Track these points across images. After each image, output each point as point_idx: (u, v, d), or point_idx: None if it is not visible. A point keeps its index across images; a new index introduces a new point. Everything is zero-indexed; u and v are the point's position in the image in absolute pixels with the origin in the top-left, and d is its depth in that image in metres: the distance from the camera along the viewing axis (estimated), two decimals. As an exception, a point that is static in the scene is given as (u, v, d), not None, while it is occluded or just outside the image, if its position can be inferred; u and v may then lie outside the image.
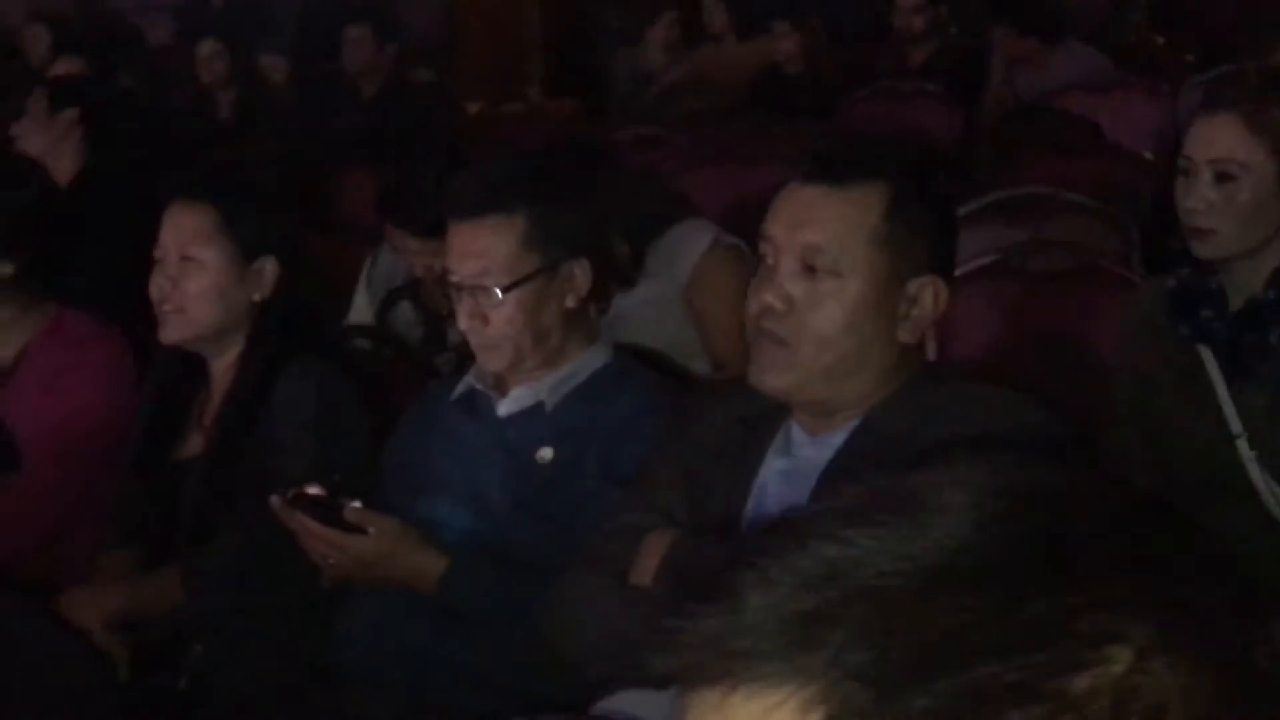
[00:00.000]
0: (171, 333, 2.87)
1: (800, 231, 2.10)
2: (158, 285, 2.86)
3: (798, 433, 2.19)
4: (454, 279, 2.58)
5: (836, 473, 2.10)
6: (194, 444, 2.93)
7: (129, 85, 6.71)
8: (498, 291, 2.53)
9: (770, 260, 2.12)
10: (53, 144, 4.58)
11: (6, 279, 3.09)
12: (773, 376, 2.12)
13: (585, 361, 2.63)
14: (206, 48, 7.32)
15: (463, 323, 2.57)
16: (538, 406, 2.60)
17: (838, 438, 2.15)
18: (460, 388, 2.68)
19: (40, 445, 3.05)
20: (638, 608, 2.06)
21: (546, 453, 2.57)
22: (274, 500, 2.46)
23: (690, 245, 3.51)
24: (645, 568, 2.11)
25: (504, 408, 2.63)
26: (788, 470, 2.16)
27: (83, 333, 3.15)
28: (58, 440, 3.05)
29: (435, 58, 8.68)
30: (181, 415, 2.96)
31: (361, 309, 3.90)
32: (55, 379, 3.09)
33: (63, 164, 4.59)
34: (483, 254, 2.54)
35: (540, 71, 9.97)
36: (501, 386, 2.64)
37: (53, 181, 3.33)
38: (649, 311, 3.46)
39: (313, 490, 2.45)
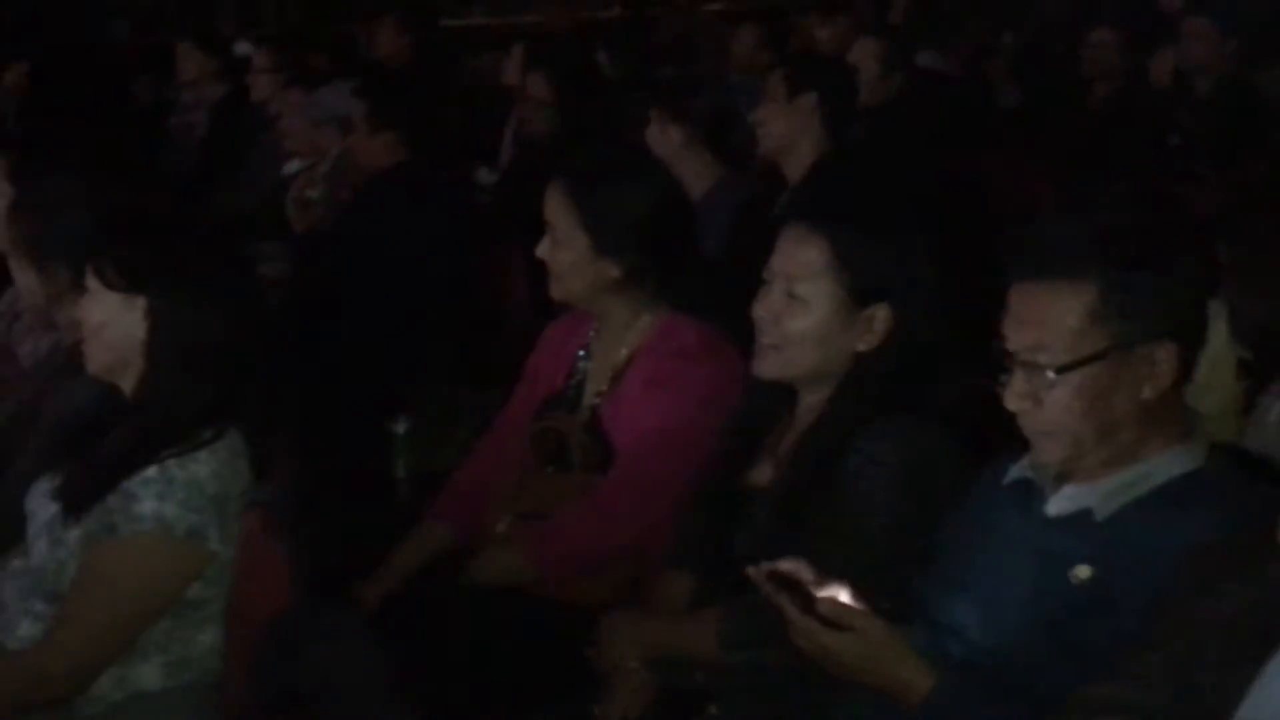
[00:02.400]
0: (766, 368, 2.66)
1: None
2: (760, 313, 2.65)
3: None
4: (1008, 347, 2.16)
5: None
6: (764, 472, 2.71)
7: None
8: (1051, 372, 2.09)
9: None
10: (791, 131, 4.48)
11: (615, 280, 3.00)
12: None
13: (1161, 465, 2.13)
14: (1099, 35, 6.96)
15: (1011, 401, 2.15)
16: (1087, 512, 2.14)
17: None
18: (1014, 472, 2.26)
19: (631, 451, 2.96)
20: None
21: (1083, 570, 2.10)
22: (751, 571, 2.18)
23: None
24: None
25: (1054, 506, 2.18)
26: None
27: (689, 342, 3.01)
28: (648, 449, 2.95)
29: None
30: (759, 439, 2.74)
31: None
32: (654, 386, 2.97)
33: (799, 154, 4.47)
34: (1039, 324, 2.11)
35: None
36: (1062, 479, 2.20)
37: (669, 181, 3.20)
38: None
39: (788, 567, 2.14)
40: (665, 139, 4.57)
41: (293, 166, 5.65)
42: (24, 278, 3.44)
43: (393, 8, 8.77)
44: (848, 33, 8.15)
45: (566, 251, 3.01)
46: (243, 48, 7.76)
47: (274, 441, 2.65)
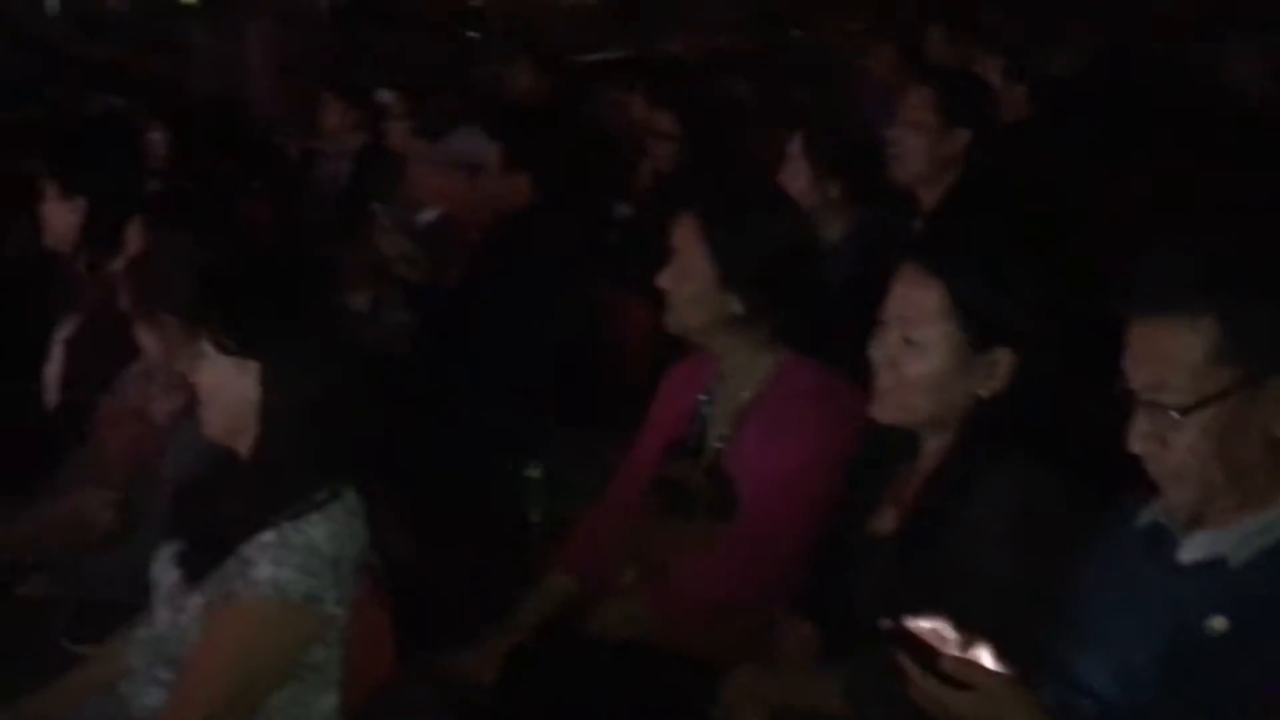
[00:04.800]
0: (883, 412, 2.59)
1: None
2: (876, 356, 2.58)
3: None
4: (1129, 386, 2.06)
5: None
6: (888, 519, 2.63)
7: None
8: (1174, 412, 1.99)
9: None
10: (935, 162, 4.32)
11: (734, 317, 2.94)
12: None
13: (1300, 509, 2.01)
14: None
15: (1135, 444, 2.05)
16: (1221, 560, 2.03)
17: None
18: (1145, 516, 2.16)
19: (755, 498, 2.91)
20: None
21: (1219, 622, 1.99)
22: (883, 624, 2.10)
23: None
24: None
25: (1186, 553, 2.07)
26: None
27: (811, 383, 2.94)
28: (770, 496, 2.88)
29: None
30: (882, 484, 2.66)
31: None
32: (776, 430, 2.92)
33: (939, 184, 4.32)
34: (1160, 362, 2.01)
35: None
36: (1194, 524, 2.09)
37: (804, 223, 3.13)
38: None
39: (919, 624, 2.05)
40: (819, 190, 4.33)
41: (427, 215, 5.68)
42: (145, 337, 3.47)
43: (527, 48, 8.81)
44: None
45: (689, 282, 2.96)
46: (383, 95, 7.82)
47: (388, 501, 2.63)
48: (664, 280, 3.01)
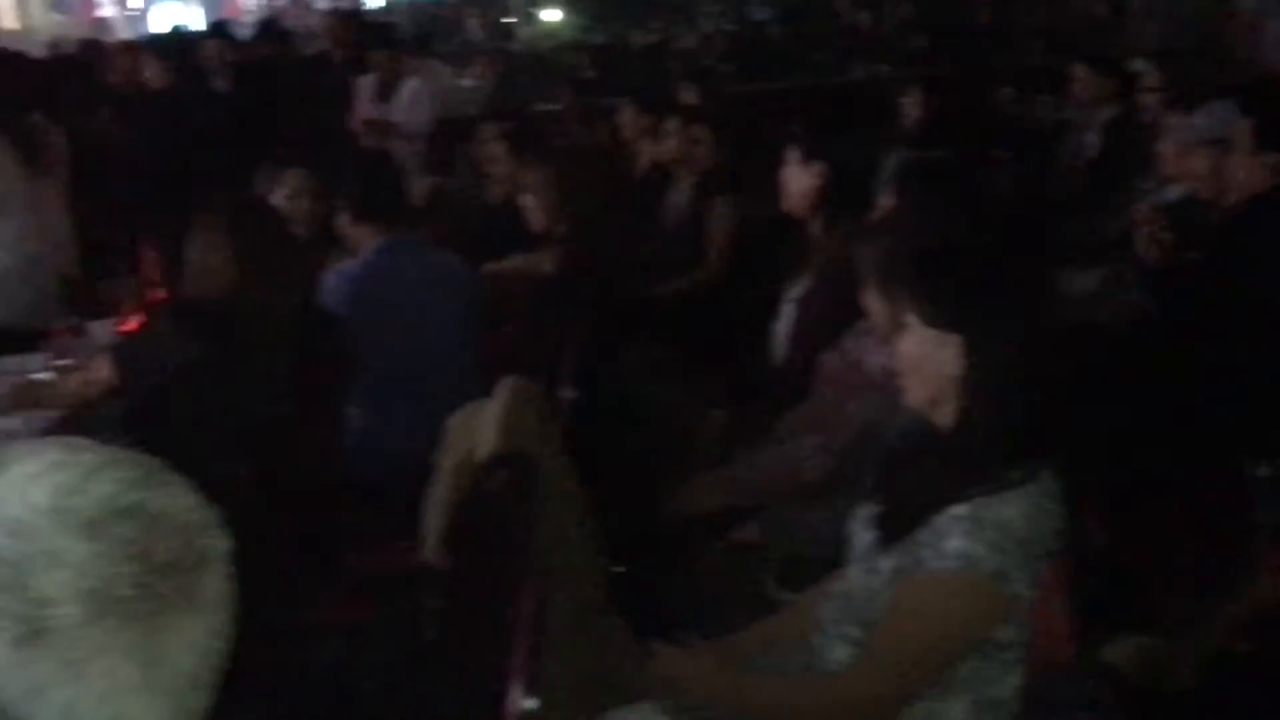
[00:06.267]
0: None
1: None
2: None
3: None
4: None
5: None
6: None
7: None
8: None
9: None
10: None
11: None
12: None
13: None
14: None
15: None
16: None
17: None
18: None
19: None
20: None
21: None
22: None
23: None
24: None
25: None
26: None
27: None
28: None
29: None
30: None
31: None
32: None
33: None
34: None
35: None
36: None
37: None
38: None
39: None
40: None
41: (1172, 192, 5.43)
42: (872, 302, 3.52)
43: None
44: None
45: None
46: (1137, 65, 7.57)
47: (1087, 489, 2.55)
48: None
